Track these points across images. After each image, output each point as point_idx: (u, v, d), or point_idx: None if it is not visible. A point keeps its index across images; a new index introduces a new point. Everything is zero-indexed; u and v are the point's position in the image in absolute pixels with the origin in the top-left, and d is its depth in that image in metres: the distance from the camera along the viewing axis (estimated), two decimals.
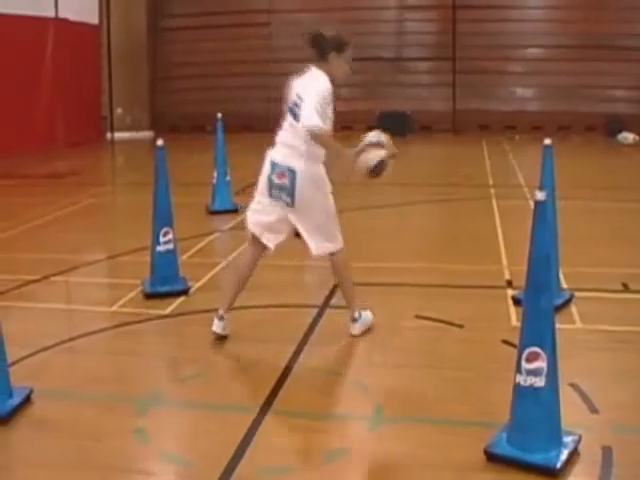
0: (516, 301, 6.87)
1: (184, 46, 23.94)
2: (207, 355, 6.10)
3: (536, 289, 4.29)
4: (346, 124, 22.95)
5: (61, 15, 20.21)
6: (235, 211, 11.37)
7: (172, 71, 24.19)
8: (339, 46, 5.99)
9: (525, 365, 4.31)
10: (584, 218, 10.86)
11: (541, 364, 4.28)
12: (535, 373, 4.29)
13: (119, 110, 23.57)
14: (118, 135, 23.42)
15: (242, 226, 10.61)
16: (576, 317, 6.73)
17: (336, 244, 6.24)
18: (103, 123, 23.34)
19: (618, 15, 22.08)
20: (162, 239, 7.55)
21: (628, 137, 20.95)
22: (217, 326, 6.34)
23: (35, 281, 8.23)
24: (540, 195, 4.25)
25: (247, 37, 23.35)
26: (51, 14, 19.94)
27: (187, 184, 13.81)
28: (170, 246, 7.61)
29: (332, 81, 5.90)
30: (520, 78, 22.99)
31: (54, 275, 8.44)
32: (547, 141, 6.90)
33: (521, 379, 4.34)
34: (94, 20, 22.43)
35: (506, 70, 22.94)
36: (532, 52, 22.85)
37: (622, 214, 11.29)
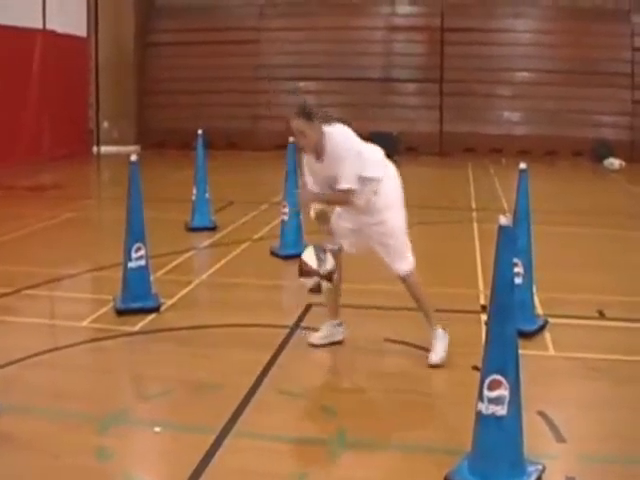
0: None
1: (172, 61, 23.91)
2: (173, 374, 6.01)
3: (499, 315, 4.23)
4: None
5: (49, 27, 20.12)
6: (213, 229, 11.30)
7: (159, 86, 24.12)
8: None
9: (487, 393, 4.24)
10: (563, 243, 10.84)
11: (503, 392, 4.21)
12: (497, 401, 4.22)
13: (105, 124, 23.51)
14: (104, 149, 23.34)
15: (219, 243, 10.73)
16: (549, 344, 6.67)
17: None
18: (90, 136, 23.26)
19: (606, 40, 22.18)
20: (134, 255, 7.47)
21: (614, 163, 20.97)
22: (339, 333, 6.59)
23: (7, 294, 8.12)
24: (504, 220, 4.22)
25: (235, 54, 23.35)
26: (39, 26, 19.84)
27: (168, 200, 13.77)
28: (142, 262, 7.52)
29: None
30: (507, 102, 23.01)
31: (27, 288, 8.33)
32: (522, 165, 6.87)
33: (482, 407, 4.27)
34: (82, 33, 22.36)
35: (494, 93, 22.96)
36: (520, 76, 22.89)
37: (602, 240, 11.27)
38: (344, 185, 6.01)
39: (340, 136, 6.03)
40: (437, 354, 6.18)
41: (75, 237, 11.53)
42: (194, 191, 11.47)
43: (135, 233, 7.53)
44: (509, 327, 4.22)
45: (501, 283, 4.20)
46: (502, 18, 23.14)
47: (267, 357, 6.27)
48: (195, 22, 23.92)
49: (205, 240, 10.86)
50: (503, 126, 22.96)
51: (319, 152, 6.01)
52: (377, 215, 6.28)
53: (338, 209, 6.40)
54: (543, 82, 22.56)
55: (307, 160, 6.18)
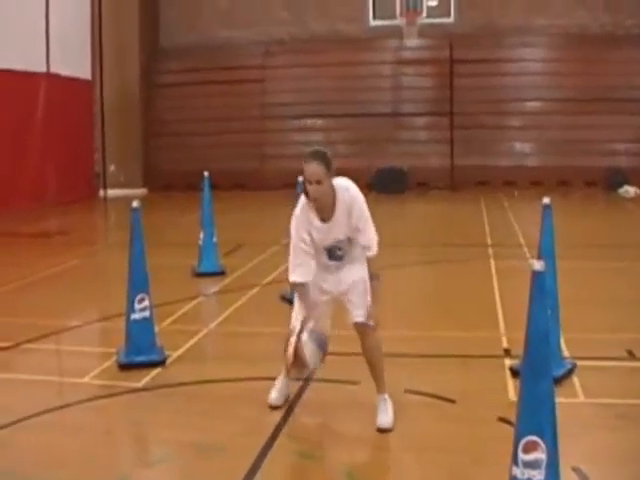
0: (514, 372, 6.39)
1: (177, 102, 23.71)
2: (178, 435, 5.61)
3: (534, 371, 3.83)
4: None
5: (52, 70, 19.91)
6: (222, 274, 10.93)
7: (165, 127, 23.92)
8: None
9: (522, 456, 3.85)
10: (586, 279, 10.42)
11: (540, 455, 3.81)
12: (533, 465, 3.82)
13: (112, 167, 23.27)
14: (111, 192, 23.08)
15: (227, 289, 10.35)
16: (579, 390, 6.25)
17: None
18: (96, 180, 23.02)
19: (616, 67, 21.90)
20: (137, 306, 7.11)
21: (629, 191, 20.65)
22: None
23: (5, 348, 7.78)
24: (538, 265, 3.81)
25: (240, 94, 23.13)
26: (42, 69, 19.63)
27: (175, 244, 13.47)
28: (146, 313, 7.16)
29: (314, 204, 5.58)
30: (519, 133, 22.73)
31: (27, 342, 7.98)
32: (546, 200, 6.48)
33: (518, 472, 3.88)
34: (86, 75, 22.18)
35: (504, 125, 22.70)
36: (530, 106, 22.62)
37: (625, 274, 10.84)
38: (375, 245, 5.67)
39: (355, 190, 5.56)
40: (389, 417, 5.67)
41: (80, 285, 11.16)
42: (201, 235, 11.11)
43: (138, 283, 7.17)
44: (544, 383, 3.82)
45: (535, 335, 3.81)
46: (511, 48, 22.92)
47: (279, 414, 5.87)
48: (200, 62, 23.76)
49: (213, 286, 10.49)
50: (515, 157, 22.66)
51: (327, 209, 5.51)
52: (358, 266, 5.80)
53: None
54: (554, 111, 22.30)
55: (302, 221, 5.58)
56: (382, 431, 5.54)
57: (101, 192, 23.14)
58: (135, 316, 7.11)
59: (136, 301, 7.10)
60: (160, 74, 24.41)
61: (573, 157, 21.96)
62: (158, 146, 24.17)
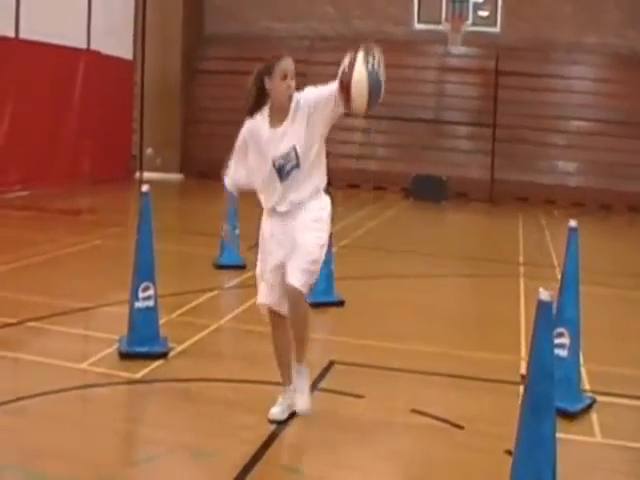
0: None
1: (218, 90, 23.45)
2: (168, 435, 5.30)
3: (536, 410, 3.50)
4: (380, 184, 22.49)
5: (93, 47, 19.72)
6: (242, 267, 10.63)
7: (204, 114, 23.70)
8: (268, 69, 5.27)
9: None
10: (615, 308, 10.05)
11: None
12: None
13: (149, 150, 23.06)
14: (147, 175, 22.87)
15: (246, 284, 10.05)
16: (596, 428, 5.85)
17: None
18: (132, 162, 22.84)
19: None
20: (141, 295, 6.85)
21: None
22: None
23: (9, 325, 7.58)
24: (544, 294, 3.48)
25: None
26: (83, 45, 19.45)
27: (201, 233, 13.25)
28: (150, 303, 6.89)
29: (277, 106, 5.31)
30: (562, 151, 22.30)
31: (32, 320, 7.76)
32: (572, 223, 6.12)
33: None
34: (128, 55, 21.99)
35: (548, 142, 22.28)
36: (575, 125, 22.18)
37: None
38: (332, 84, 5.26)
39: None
40: (306, 399, 5.54)
41: (97, 267, 10.92)
42: (223, 226, 10.81)
43: (143, 271, 6.92)
44: (546, 424, 3.51)
45: (539, 371, 3.50)
46: (558, 64, 22.50)
47: (272, 425, 5.56)
48: (243, 51, 23.43)
49: (231, 279, 10.21)
50: (557, 176, 22.25)
51: (284, 112, 5.28)
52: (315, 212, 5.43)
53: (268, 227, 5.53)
54: (599, 132, 21.87)
55: (254, 128, 5.37)
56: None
57: (137, 174, 22.95)
58: (139, 305, 6.86)
59: (140, 289, 6.84)
60: (202, 61, 24.20)
61: (616, 180, 21.53)
62: (196, 132, 23.95)
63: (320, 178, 5.43)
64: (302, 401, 5.50)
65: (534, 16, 22.46)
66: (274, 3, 24.11)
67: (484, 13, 22.70)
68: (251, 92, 5.33)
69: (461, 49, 23.13)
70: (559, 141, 22.37)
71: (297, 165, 5.27)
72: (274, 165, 5.28)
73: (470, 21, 22.63)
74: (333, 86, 5.17)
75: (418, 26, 23.15)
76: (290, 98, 5.23)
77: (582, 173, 22.29)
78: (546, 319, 3.53)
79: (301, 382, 5.53)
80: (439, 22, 22.73)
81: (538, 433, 3.49)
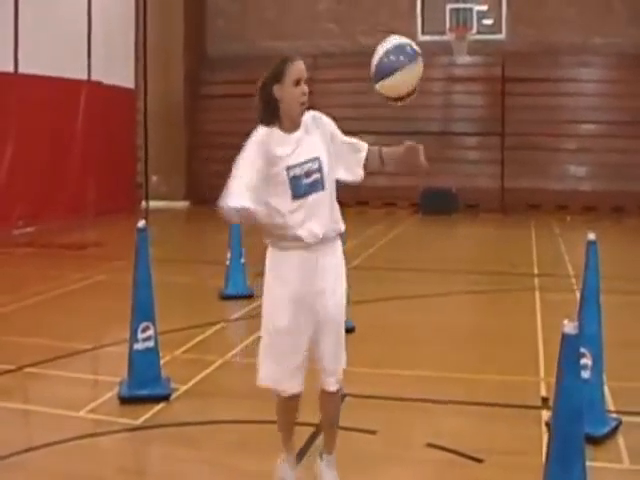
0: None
1: (223, 114, 23.26)
2: None
3: (564, 457, 3.18)
4: (389, 200, 22.21)
5: (94, 77, 19.52)
6: (249, 297, 10.33)
7: (210, 139, 23.49)
8: (277, 75, 4.53)
9: None
10: (636, 317, 9.65)
11: None
12: None
13: (154, 178, 22.87)
14: (152, 204, 22.68)
15: (253, 314, 9.74)
16: (624, 453, 5.48)
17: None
18: (138, 191, 22.63)
19: None
20: (141, 335, 6.57)
21: None
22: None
23: (8, 372, 7.30)
24: (569, 327, 3.15)
25: None
26: (83, 77, 19.26)
27: (207, 262, 12.99)
28: (150, 343, 6.60)
29: (290, 117, 4.55)
30: (572, 155, 22.00)
31: (31, 366, 7.49)
32: (591, 236, 5.79)
33: None
34: (129, 84, 21.82)
35: (558, 147, 21.98)
36: (585, 128, 21.86)
37: None
38: (364, 145, 4.75)
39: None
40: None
41: (100, 304, 10.60)
42: (228, 255, 10.55)
43: (142, 311, 6.64)
44: (576, 472, 3.15)
45: (566, 415, 3.17)
46: (566, 67, 22.19)
47: None
48: (247, 73, 22.96)
49: (238, 310, 9.89)
50: (568, 181, 21.94)
51: (297, 122, 4.57)
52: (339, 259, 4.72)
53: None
54: (610, 134, 21.54)
55: (265, 135, 4.52)
56: None
57: (143, 203, 22.74)
58: (138, 346, 6.57)
59: (139, 330, 6.56)
60: (206, 84, 24.01)
61: (629, 182, 21.21)
62: (202, 158, 23.74)
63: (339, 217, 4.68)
64: None
65: (539, 21, 22.17)
66: (276, 22, 23.92)
67: (488, 21, 22.40)
68: (259, 107, 4.61)
69: (467, 58, 22.87)
70: (569, 145, 22.07)
71: (321, 183, 4.52)
72: (288, 174, 4.45)
73: (474, 30, 22.33)
74: (363, 151, 4.73)
75: (422, 38, 22.83)
76: (305, 105, 4.53)
77: (593, 177, 21.96)
78: (571, 355, 3.18)
79: (332, 473, 4.93)
80: (443, 32, 22.45)
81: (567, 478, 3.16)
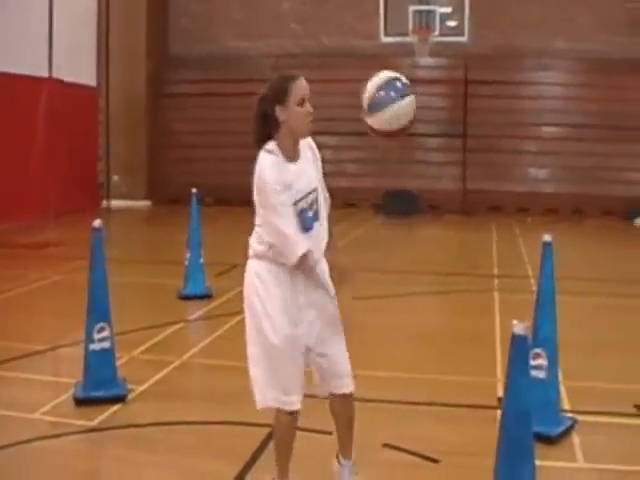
0: None
1: (186, 113, 23.18)
2: None
3: (513, 456, 3.18)
4: (350, 202, 22.20)
5: (55, 76, 19.33)
6: (209, 297, 10.31)
7: (173, 139, 23.37)
8: (279, 96, 4.43)
9: None
10: (592, 318, 9.75)
11: None
12: None
13: (115, 177, 22.75)
14: (114, 203, 22.56)
15: (212, 315, 9.72)
16: (578, 452, 5.53)
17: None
18: (99, 190, 22.51)
19: (637, 94, 21.20)
20: (96, 336, 6.52)
21: None
22: None
23: None
24: (519, 328, 3.16)
25: (250, 107, 22.40)
26: (44, 74, 19.07)
27: (168, 262, 12.91)
28: (106, 344, 6.55)
29: (295, 139, 4.49)
30: (534, 158, 22.11)
31: None
32: (546, 237, 5.83)
33: None
34: (92, 82, 21.65)
35: (519, 149, 22.07)
36: (547, 131, 21.98)
37: (636, 314, 10.11)
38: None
39: None
40: None
41: (58, 305, 10.52)
42: (187, 255, 10.50)
43: (98, 311, 6.59)
44: (525, 470, 3.17)
45: (514, 415, 3.19)
46: (529, 70, 22.29)
47: (239, 466, 5.21)
48: (210, 73, 23.23)
49: (197, 311, 9.85)
50: (529, 183, 22.05)
51: (296, 146, 4.51)
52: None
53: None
54: (572, 137, 21.67)
55: (275, 170, 4.38)
56: None
57: (104, 203, 22.61)
58: (94, 347, 6.52)
59: (95, 331, 6.50)
60: (169, 84, 23.87)
61: (590, 185, 21.34)
62: (165, 157, 23.61)
63: None
64: None
65: (502, 24, 22.23)
66: (240, 22, 23.83)
67: (452, 23, 22.47)
68: (257, 127, 4.53)
69: (429, 60, 22.87)
70: (531, 148, 22.16)
71: (317, 215, 4.54)
72: (296, 208, 4.42)
73: (437, 32, 22.37)
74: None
75: (385, 39, 22.91)
76: (310, 125, 4.47)
77: (555, 179, 22.08)
78: (521, 356, 3.19)
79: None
80: (406, 34, 22.47)
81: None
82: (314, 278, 4.50)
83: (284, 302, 4.43)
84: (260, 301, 4.46)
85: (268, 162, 4.40)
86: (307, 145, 4.57)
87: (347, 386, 4.70)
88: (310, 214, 4.46)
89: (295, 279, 4.45)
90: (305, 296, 4.49)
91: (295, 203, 4.39)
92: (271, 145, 4.45)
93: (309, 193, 4.46)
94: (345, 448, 4.86)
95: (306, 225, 4.44)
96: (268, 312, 4.43)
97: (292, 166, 4.44)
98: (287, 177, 4.38)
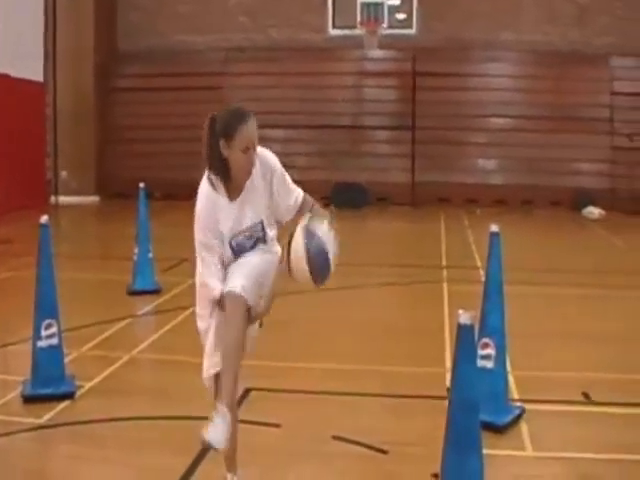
0: None
1: (134, 108, 22.98)
2: None
3: (460, 446, 3.19)
4: None
5: (1, 71, 19.09)
6: (157, 292, 10.26)
7: (122, 134, 23.15)
8: (226, 133, 4.31)
9: None
10: (541, 308, 9.86)
11: None
12: None
13: (64, 173, 22.54)
14: (63, 199, 22.35)
15: (160, 310, 9.67)
16: (527, 441, 5.60)
17: None
18: (47, 187, 22.28)
19: (584, 85, 21.48)
20: (44, 333, 6.46)
21: (594, 212, 20.27)
22: None
23: None
24: (465, 317, 3.18)
25: (199, 101, 22.27)
26: None
27: (116, 258, 12.81)
28: (53, 341, 6.49)
29: (235, 178, 4.39)
30: (482, 149, 22.22)
31: None
32: (494, 227, 5.86)
33: None
34: (39, 77, 21.38)
35: (468, 141, 22.17)
36: (495, 122, 22.11)
37: (584, 302, 10.25)
38: (299, 194, 4.57)
39: (264, 150, 4.50)
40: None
41: (6, 302, 10.39)
42: (135, 250, 10.43)
43: (45, 307, 6.53)
44: (472, 460, 3.20)
45: (461, 404, 3.22)
46: (477, 62, 22.41)
47: (189, 460, 5.19)
48: (159, 67, 23.06)
49: (145, 306, 9.79)
50: (478, 175, 22.16)
51: (242, 184, 4.41)
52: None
53: None
54: (520, 129, 21.82)
55: (211, 207, 4.34)
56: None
57: (53, 199, 22.39)
58: (41, 344, 6.46)
59: (42, 328, 6.45)
60: (117, 78, 23.65)
61: (538, 176, 21.51)
62: (113, 153, 23.41)
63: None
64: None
65: (450, 16, 22.32)
66: (188, 16, 23.67)
67: (400, 16, 22.51)
68: (207, 150, 4.35)
69: (378, 52, 22.91)
70: (479, 139, 22.28)
71: (263, 240, 4.53)
72: (230, 245, 4.43)
73: (386, 24, 22.42)
74: (299, 199, 4.55)
75: (333, 32, 22.90)
76: (250, 172, 4.36)
77: (503, 170, 22.23)
78: (467, 343, 3.20)
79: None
80: (354, 26, 22.50)
81: (463, 472, 3.18)
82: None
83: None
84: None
85: (204, 195, 4.38)
86: (258, 163, 4.42)
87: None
88: (250, 243, 4.47)
89: None
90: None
91: (230, 240, 4.41)
92: (214, 176, 4.40)
93: (250, 227, 4.44)
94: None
95: (243, 251, 4.47)
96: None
97: (229, 206, 4.40)
98: (219, 218, 4.37)
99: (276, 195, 4.47)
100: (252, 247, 4.48)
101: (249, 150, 4.28)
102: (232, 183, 4.39)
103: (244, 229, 4.41)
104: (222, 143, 4.30)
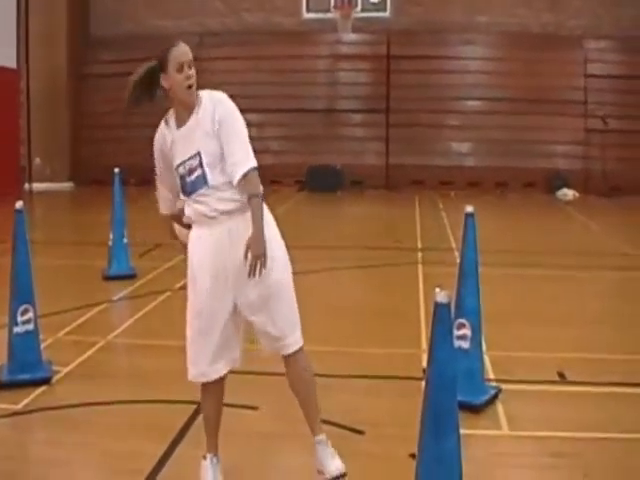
0: None
1: (108, 94, 22.69)
2: (51, 473, 4.91)
3: (437, 427, 3.20)
4: (275, 178, 22.13)
5: None
6: (133, 277, 10.25)
7: (96, 120, 23.08)
8: (161, 65, 4.49)
9: None
10: (515, 289, 9.93)
11: None
12: None
13: (37, 160, 22.41)
14: (37, 186, 22.23)
15: (135, 295, 9.65)
16: (502, 420, 5.64)
17: None
18: (21, 174, 22.15)
19: (558, 68, 21.58)
20: (20, 319, 6.43)
21: (568, 194, 20.44)
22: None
23: None
24: (441, 295, 3.20)
25: None
26: None
27: (92, 243, 12.75)
28: (29, 326, 6.47)
29: (181, 102, 4.47)
30: (456, 132, 22.32)
31: None
32: (469, 208, 5.88)
33: None
34: (11, 64, 21.22)
35: (442, 124, 22.28)
36: (469, 105, 22.23)
37: (557, 283, 10.35)
38: (248, 164, 4.39)
39: (223, 94, 4.53)
40: (338, 459, 4.75)
41: None
42: (110, 235, 10.40)
43: (21, 293, 6.50)
44: (449, 442, 3.20)
45: (438, 384, 3.21)
46: (451, 45, 22.49)
47: (165, 445, 5.20)
48: (132, 52, 22.66)
49: (121, 291, 9.76)
50: (452, 158, 22.26)
51: (189, 109, 4.45)
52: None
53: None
54: (493, 111, 21.94)
55: (161, 139, 4.57)
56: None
57: (27, 186, 22.27)
58: (17, 330, 6.44)
59: (18, 313, 6.42)
60: (90, 64, 23.56)
61: (512, 158, 21.62)
62: (87, 139, 23.34)
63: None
64: (335, 463, 4.72)
65: None
66: (162, 1, 23.62)
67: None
68: (134, 94, 4.65)
69: (352, 36, 22.94)
70: (453, 122, 22.38)
71: (204, 180, 4.42)
72: (178, 173, 4.50)
73: (359, 7, 22.44)
74: (240, 170, 4.37)
75: (307, 15, 22.91)
76: (191, 89, 4.39)
77: (477, 153, 22.33)
78: (443, 324, 3.21)
79: (325, 451, 4.77)
80: (328, 10, 22.52)
81: (441, 452, 3.19)
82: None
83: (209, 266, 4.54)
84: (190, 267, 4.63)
85: (158, 129, 4.60)
86: (210, 101, 4.46)
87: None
88: (191, 179, 4.45)
89: (220, 241, 4.48)
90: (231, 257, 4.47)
91: (176, 168, 4.50)
92: (170, 112, 4.56)
93: (188, 159, 4.44)
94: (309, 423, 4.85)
95: (188, 189, 4.47)
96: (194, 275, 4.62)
97: (176, 133, 4.49)
98: (165, 145, 4.53)
99: (224, 144, 4.42)
100: (194, 185, 4.45)
101: (183, 68, 4.40)
102: (178, 112, 4.50)
103: (186, 159, 4.45)
104: (162, 77, 4.47)
